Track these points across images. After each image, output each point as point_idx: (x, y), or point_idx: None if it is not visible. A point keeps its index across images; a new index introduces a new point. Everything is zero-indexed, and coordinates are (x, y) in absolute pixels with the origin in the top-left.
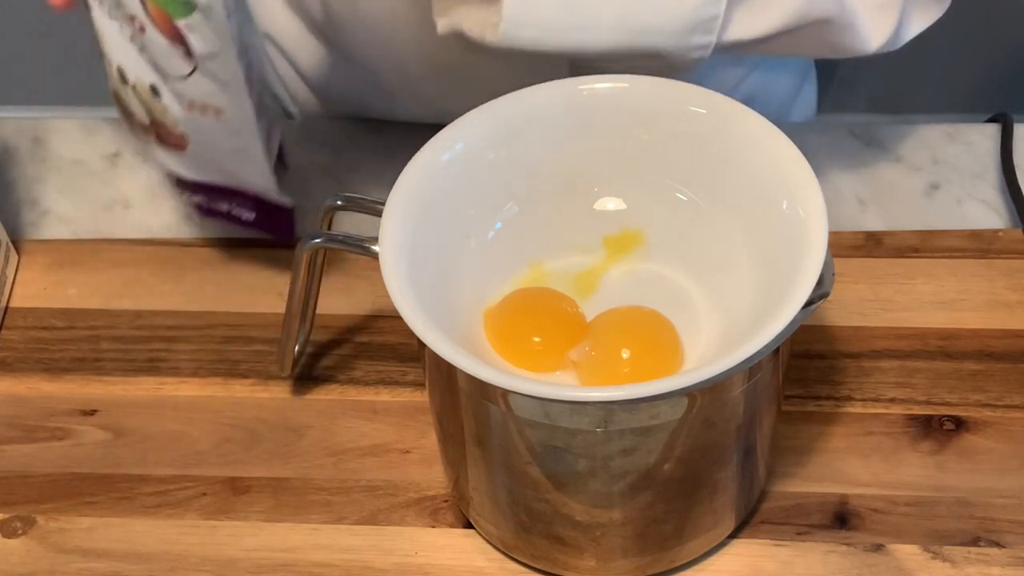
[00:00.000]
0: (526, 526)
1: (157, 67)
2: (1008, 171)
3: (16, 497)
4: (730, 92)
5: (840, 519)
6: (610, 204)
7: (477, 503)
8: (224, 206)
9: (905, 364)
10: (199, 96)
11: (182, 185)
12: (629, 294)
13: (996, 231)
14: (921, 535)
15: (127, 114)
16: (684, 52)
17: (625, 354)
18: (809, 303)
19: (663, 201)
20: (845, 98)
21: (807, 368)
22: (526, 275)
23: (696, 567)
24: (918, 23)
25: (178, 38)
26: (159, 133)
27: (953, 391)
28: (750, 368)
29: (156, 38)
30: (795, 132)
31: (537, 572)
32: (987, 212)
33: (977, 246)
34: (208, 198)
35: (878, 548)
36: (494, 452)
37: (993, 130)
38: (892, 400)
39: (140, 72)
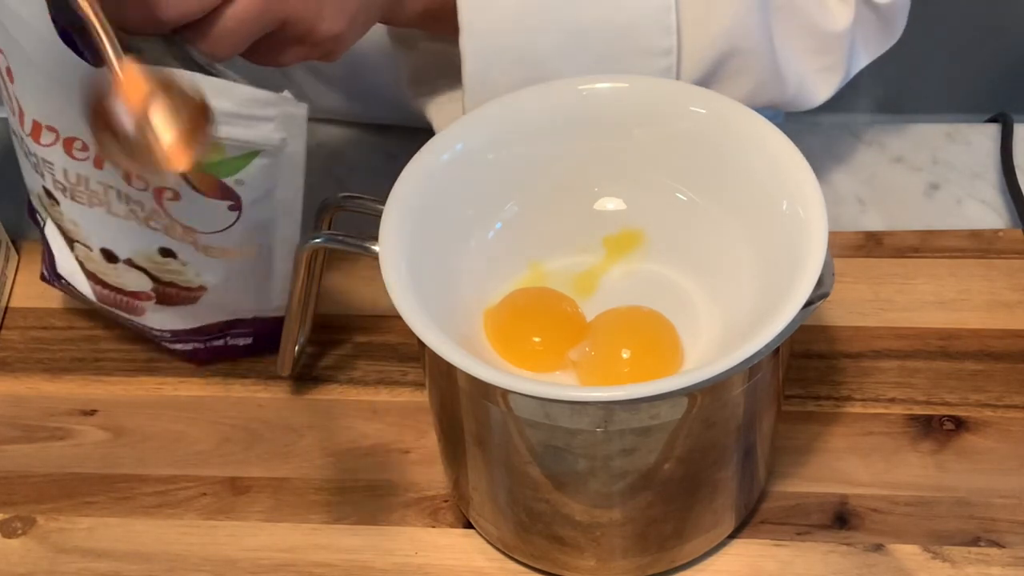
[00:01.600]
0: (526, 526)
1: (182, 229)
2: (1008, 171)
3: (16, 497)
4: None
5: (840, 519)
6: (610, 204)
7: (477, 503)
8: (219, 341)
9: (905, 364)
10: (236, 243)
11: (175, 338)
12: (629, 294)
13: (996, 231)
14: (921, 535)
15: (109, 289)
16: None
17: (625, 354)
18: (809, 303)
19: (663, 201)
20: (845, 98)
21: (807, 368)
22: (526, 275)
23: (696, 567)
24: (866, 58)
25: (223, 194)
26: (164, 295)
27: (953, 391)
28: (750, 368)
29: (191, 202)
30: (795, 132)
31: (537, 572)
32: (987, 212)
33: (977, 246)
34: (203, 341)
35: (878, 548)
36: (494, 452)
37: (993, 130)
38: (892, 400)
39: (142, 244)
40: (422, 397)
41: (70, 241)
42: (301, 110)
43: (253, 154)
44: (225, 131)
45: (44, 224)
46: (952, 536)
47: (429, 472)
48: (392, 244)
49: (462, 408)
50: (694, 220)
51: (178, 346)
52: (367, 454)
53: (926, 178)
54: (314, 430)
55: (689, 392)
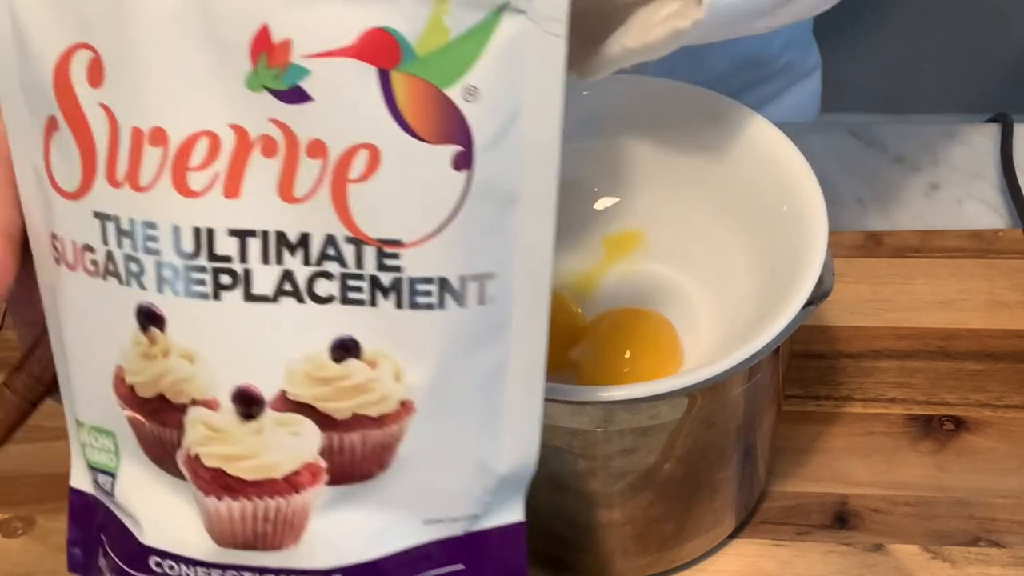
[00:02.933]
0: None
1: (374, 254)
2: (1008, 171)
3: (16, 497)
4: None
5: (840, 519)
6: (610, 204)
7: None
8: None
9: (905, 364)
10: (455, 260)
11: None
12: (629, 294)
13: (996, 231)
14: (921, 535)
15: (242, 496)
16: None
17: (625, 354)
18: (809, 303)
19: (663, 201)
20: (845, 98)
21: (807, 368)
22: None
23: (696, 567)
24: None
25: (445, 125)
26: (340, 455)
27: (953, 391)
28: (750, 368)
29: (394, 171)
30: (795, 132)
31: (537, 572)
32: (987, 212)
33: (977, 246)
34: None
35: (878, 548)
36: None
37: (993, 130)
38: (892, 400)
39: (305, 342)
40: None
41: (176, 417)
42: None
43: (495, 15)
44: None
45: (115, 481)
46: (952, 536)
47: None
48: None
49: None
50: (694, 220)
51: None
52: None
53: (926, 178)
54: None
55: (689, 392)
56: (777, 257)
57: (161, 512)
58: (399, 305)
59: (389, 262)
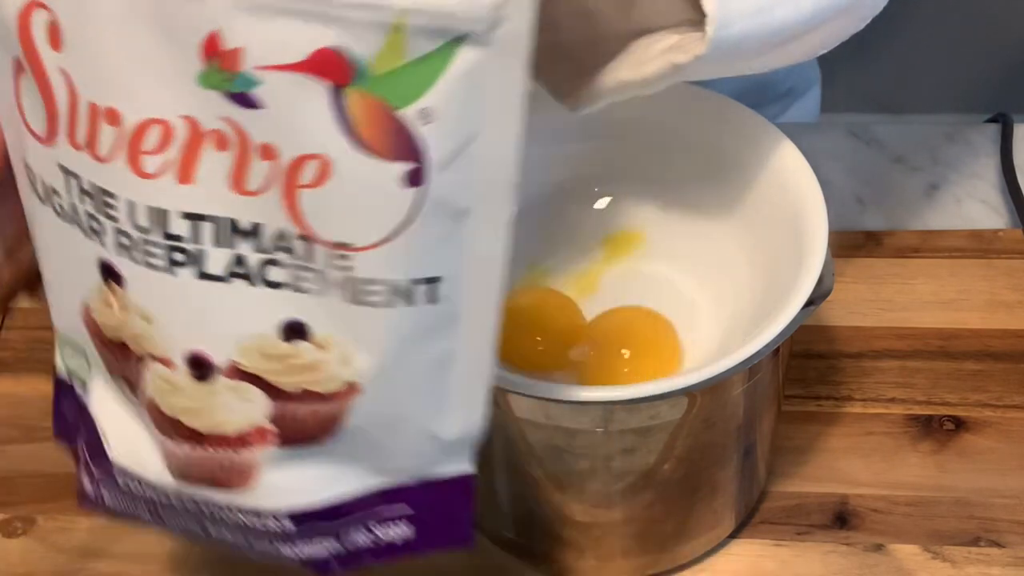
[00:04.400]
0: (526, 526)
1: (325, 254)
2: (1008, 171)
3: (16, 497)
4: None
5: (840, 519)
6: (610, 204)
7: (477, 503)
8: (363, 536)
9: (905, 364)
10: (403, 267)
11: (300, 530)
12: (629, 294)
13: (996, 231)
14: (921, 535)
15: (200, 445)
16: None
17: (625, 354)
18: (809, 303)
19: (663, 201)
20: (845, 98)
21: (807, 368)
22: (526, 275)
23: (696, 567)
24: None
25: (398, 145)
26: (289, 421)
27: (953, 391)
28: (750, 368)
29: (345, 182)
30: (795, 132)
31: (537, 572)
32: (987, 212)
33: (977, 246)
34: (337, 534)
35: (878, 548)
36: (494, 452)
37: (993, 130)
38: (892, 400)
39: (254, 321)
40: None
41: (136, 363)
42: None
43: (453, 45)
44: None
45: (87, 389)
46: (952, 536)
47: None
48: None
49: None
50: (694, 220)
51: (302, 548)
52: None
53: (926, 178)
54: None
55: (689, 392)
56: (777, 257)
57: (127, 433)
58: (348, 300)
59: (339, 263)
